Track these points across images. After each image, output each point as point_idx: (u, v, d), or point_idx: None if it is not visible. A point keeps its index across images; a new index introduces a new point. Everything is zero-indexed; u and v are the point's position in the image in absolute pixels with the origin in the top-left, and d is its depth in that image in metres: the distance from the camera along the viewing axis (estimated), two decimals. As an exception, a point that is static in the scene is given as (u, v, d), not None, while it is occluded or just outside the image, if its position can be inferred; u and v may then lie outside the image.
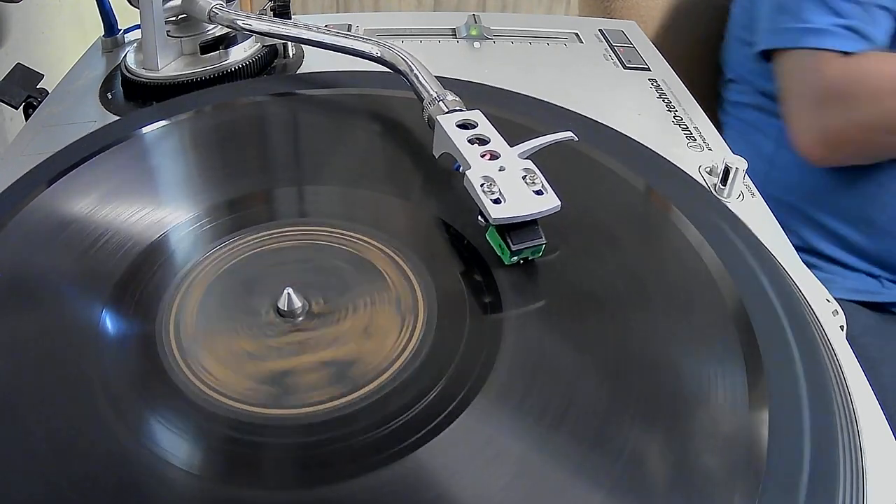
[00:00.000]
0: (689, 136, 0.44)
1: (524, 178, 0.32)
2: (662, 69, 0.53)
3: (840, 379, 0.30)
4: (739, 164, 0.39)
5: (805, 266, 0.36)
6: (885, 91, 0.62)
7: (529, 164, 0.33)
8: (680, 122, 0.46)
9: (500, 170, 0.33)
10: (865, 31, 0.66)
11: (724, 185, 0.39)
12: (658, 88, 0.50)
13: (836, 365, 0.30)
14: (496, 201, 0.31)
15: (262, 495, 0.24)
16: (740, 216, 0.37)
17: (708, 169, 0.41)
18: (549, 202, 0.31)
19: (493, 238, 0.32)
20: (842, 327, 0.33)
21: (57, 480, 0.24)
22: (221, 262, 0.33)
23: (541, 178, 0.32)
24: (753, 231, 0.36)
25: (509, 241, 0.31)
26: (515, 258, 0.31)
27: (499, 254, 0.32)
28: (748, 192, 0.40)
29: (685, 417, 0.26)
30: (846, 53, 0.65)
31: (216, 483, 0.25)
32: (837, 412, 0.27)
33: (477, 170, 0.33)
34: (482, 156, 0.33)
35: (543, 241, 0.31)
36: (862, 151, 0.66)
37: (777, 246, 0.36)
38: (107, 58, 0.53)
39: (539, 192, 0.32)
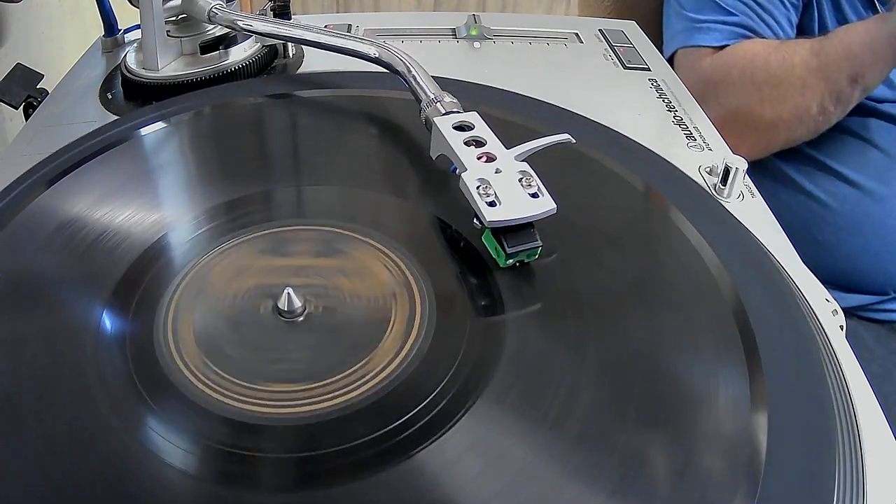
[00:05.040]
0: (689, 136, 0.44)
1: (520, 180, 0.32)
2: (662, 69, 0.53)
3: (840, 379, 0.29)
4: (739, 164, 0.39)
5: (804, 266, 0.36)
6: (747, 72, 0.64)
7: (525, 167, 0.33)
8: (680, 122, 0.46)
9: (496, 172, 0.32)
10: (753, 26, 0.68)
11: (724, 185, 0.39)
12: (658, 88, 0.50)
13: (835, 365, 0.30)
14: (491, 204, 0.31)
15: (261, 496, 0.24)
16: (740, 216, 0.36)
17: (708, 169, 0.41)
18: (545, 205, 0.31)
19: (488, 241, 0.32)
20: (841, 327, 0.33)
21: (56, 480, 0.24)
22: (221, 263, 0.33)
23: (536, 181, 0.32)
24: (753, 231, 0.36)
25: (504, 243, 0.31)
26: (511, 261, 0.31)
27: (494, 256, 0.32)
28: (748, 192, 0.40)
29: (685, 418, 0.26)
30: (719, 48, 0.67)
31: (215, 483, 0.25)
32: (837, 412, 0.27)
33: (473, 172, 0.33)
34: (478, 158, 0.33)
35: (539, 243, 0.31)
36: (757, 138, 0.67)
37: (777, 246, 0.36)
38: (107, 58, 0.53)
39: (535, 195, 0.31)
